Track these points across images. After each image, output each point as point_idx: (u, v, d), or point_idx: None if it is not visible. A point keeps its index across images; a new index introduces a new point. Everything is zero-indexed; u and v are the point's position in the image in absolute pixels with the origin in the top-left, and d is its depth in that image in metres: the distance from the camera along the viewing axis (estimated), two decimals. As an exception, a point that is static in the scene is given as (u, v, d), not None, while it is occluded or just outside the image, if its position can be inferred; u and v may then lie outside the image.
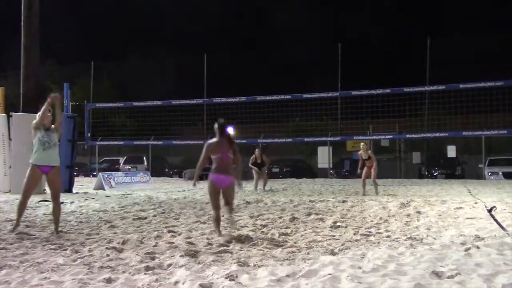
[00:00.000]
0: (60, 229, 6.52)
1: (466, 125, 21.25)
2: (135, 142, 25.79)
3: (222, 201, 6.24)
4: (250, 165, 15.71)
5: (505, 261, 4.39)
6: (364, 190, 12.99)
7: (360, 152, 13.34)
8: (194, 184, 6.61)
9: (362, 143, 13.61)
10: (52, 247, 5.40)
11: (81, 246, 5.44)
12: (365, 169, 13.28)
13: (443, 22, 43.35)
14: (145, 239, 5.83)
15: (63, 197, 11.97)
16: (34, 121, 6.23)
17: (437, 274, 4.04)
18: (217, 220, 6.16)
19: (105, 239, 5.89)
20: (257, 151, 15.78)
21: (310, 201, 10.58)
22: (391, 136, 23.26)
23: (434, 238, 5.75)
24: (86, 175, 26.95)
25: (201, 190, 14.87)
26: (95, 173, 24.31)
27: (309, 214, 8.17)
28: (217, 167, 6.10)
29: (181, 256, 4.88)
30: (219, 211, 6.17)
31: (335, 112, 24.94)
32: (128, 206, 9.83)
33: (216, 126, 6.21)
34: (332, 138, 22.57)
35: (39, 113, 6.20)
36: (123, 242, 5.61)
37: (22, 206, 6.49)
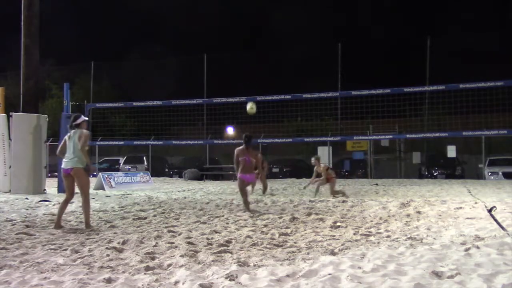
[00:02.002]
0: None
1: (466, 125, 21.23)
2: (135, 142, 25.78)
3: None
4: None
5: (505, 261, 4.39)
6: (316, 193, 12.05)
7: (315, 167, 12.21)
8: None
9: (313, 158, 12.43)
10: (52, 247, 5.40)
11: (81, 246, 5.44)
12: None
13: (443, 22, 43.38)
14: (145, 239, 5.83)
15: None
16: (84, 144, 6.84)
17: (437, 274, 4.03)
18: (246, 203, 8.84)
19: (105, 239, 5.89)
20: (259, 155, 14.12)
21: (310, 201, 10.58)
22: (391, 136, 23.25)
23: (434, 238, 5.75)
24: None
25: (201, 190, 14.87)
26: (95, 173, 24.32)
27: (309, 214, 8.17)
28: (243, 168, 8.66)
29: (181, 256, 4.88)
30: (247, 197, 9.02)
31: (335, 112, 24.95)
32: (128, 206, 9.83)
33: (243, 136, 8.87)
34: (332, 138, 22.56)
35: (85, 142, 6.84)
36: (123, 242, 5.61)
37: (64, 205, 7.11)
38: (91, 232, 6.52)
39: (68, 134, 6.97)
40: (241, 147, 8.76)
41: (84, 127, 7.00)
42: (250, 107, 11.58)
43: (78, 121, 6.96)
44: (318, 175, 12.16)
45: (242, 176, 8.68)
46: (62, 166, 6.91)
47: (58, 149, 7.08)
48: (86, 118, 7.18)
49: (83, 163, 6.82)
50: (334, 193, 11.82)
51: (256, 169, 9.32)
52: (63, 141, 7.04)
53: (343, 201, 10.43)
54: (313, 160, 12.31)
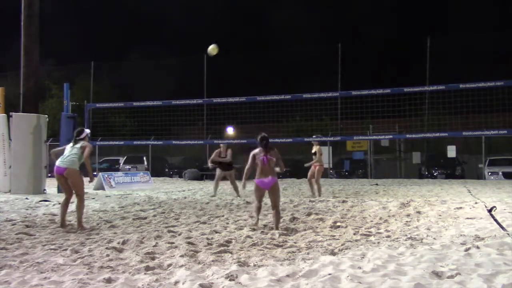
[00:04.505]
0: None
1: (466, 125, 21.22)
2: (135, 142, 25.77)
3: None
4: (210, 164, 13.10)
5: (505, 261, 4.39)
6: (312, 190, 12.16)
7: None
8: (244, 187, 7.30)
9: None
10: (52, 247, 5.41)
11: (81, 246, 5.44)
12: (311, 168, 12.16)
13: (443, 22, 43.38)
14: (145, 239, 5.84)
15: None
16: (88, 155, 7.07)
17: (437, 274, 4.04)
18: (258, 212, 7.06)
19: (105, 239, 5.89)
20: (221, 146, 12.80)
21: (310, 201, 10.58)
22: (391, 136, 23.23)
23: (434, 238, 5.75)
24: (86, 175, 26.92)
25: (201, 190, 14.86)
26: (95, 173, 24.30)
27: (309, 214, 8.17)
28: (260, 171, 6.89)
29: (181, 256, 4.88)
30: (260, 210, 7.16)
31: (335, 112, 24.94)
32: (128, 206, 9.83)
33: (259, 138, 7.03)
34: (332, 138, 22.54)
35: (89, 153, 7.06)
36: (123, 242, 5.61)
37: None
38: (91, 232, 6.52)
39: (71, 143, 7.13)
40: (257, 149, 7.05)
41: (87, 140, 7.15)
42: (213, 49, 11.07)
43: (82, 135, 7.13)
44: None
45: (258, 181, 6.93)
46: (56, 164, 6.96)
47: (55, 150, 7.27)
48: (88, 131, 7.33)
49: (77, 166, 6.94)
50: (318, 181, 12.11)
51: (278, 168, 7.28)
52: (63, 148, 7.27)
53: (343, 201, 10.43)
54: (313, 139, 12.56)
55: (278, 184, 7.00)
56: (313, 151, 12.37)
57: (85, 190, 14.18)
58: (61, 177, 6.95)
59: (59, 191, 13.55)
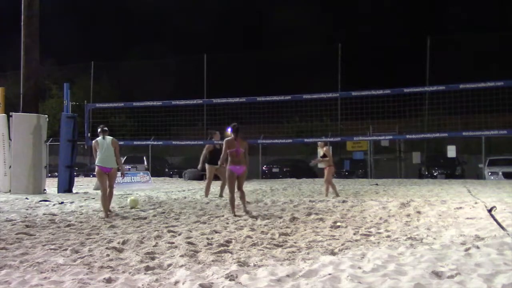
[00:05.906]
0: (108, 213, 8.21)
1: (466, 125, 21.22)
2: (135, 142, 25.75)
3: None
4: (200, 166, 12.37)
5: (505, 261, 4.39)
6: (335, 190, 12.00)
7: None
8: (220, 166, 9.04)
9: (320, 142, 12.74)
10: (52, 247, 5.41)
11: (81, 246, 5.44)
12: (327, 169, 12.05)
13: (443, 22, 43.38)
14: (145, 239, 5.84)
15: (63, 197, 11.99)
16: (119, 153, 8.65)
17: (437, 274, 4.04)
18: (232, 201, 8.24)
19: (105, 239, 5.89)
20: (215, 134, 12.63)
21: (310, 201, 10.57)
22: (391, 137, 23.21)
23: (434, 238, 5.75)
24: (86, 175, 26.95)
25: (201, 190, 14.84)
26: (95, 173, 24.29)
27: (309, 214, 8.17)
28: (233, 160, 8.19)
29: (181, 256, 4.88)
30: (235, 194, 8.30)
31: (335, 113, 24.93)
32: (128, 206, 9.83)
33: (232, 126, 8.35)
34: (332, 139, 22.53)
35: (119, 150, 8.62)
36: (123, 242, 5.61)
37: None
38: (91, 232, 6.52)
39: (98, 139, 8.44)
40: (230, 137, 8.40)
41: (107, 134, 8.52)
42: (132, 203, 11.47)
43: (105, 128, 8.55)
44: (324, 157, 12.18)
45: (232, 167, 8.25)
46: (101, 164, 8.28)
47: (93, 149, 8.56)
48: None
49: (116, 164, 8.46)
50: (329, 182, 11.96)
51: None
52: (94, 143, 8.53)
53: (343, 201, 10.42)
54: (320, 143, 12.53)
55: (246, 171, 8.45)
56: (321, 154, 12.22)
57: (86, 191, 14.28)
58: (105, 174, 8.34)
59: (59, 191, 13.57)
